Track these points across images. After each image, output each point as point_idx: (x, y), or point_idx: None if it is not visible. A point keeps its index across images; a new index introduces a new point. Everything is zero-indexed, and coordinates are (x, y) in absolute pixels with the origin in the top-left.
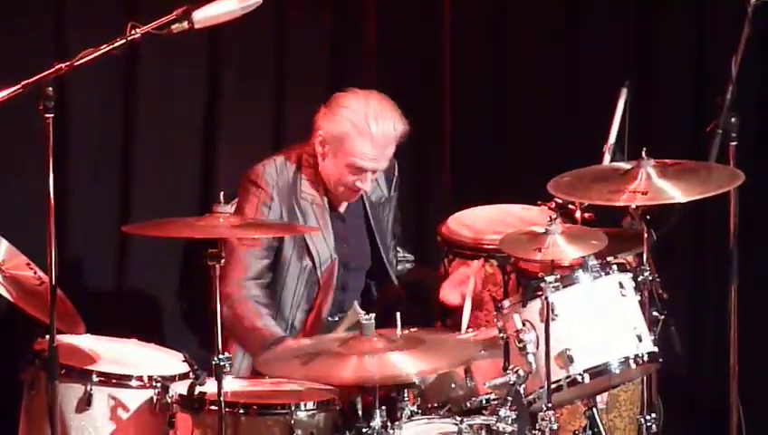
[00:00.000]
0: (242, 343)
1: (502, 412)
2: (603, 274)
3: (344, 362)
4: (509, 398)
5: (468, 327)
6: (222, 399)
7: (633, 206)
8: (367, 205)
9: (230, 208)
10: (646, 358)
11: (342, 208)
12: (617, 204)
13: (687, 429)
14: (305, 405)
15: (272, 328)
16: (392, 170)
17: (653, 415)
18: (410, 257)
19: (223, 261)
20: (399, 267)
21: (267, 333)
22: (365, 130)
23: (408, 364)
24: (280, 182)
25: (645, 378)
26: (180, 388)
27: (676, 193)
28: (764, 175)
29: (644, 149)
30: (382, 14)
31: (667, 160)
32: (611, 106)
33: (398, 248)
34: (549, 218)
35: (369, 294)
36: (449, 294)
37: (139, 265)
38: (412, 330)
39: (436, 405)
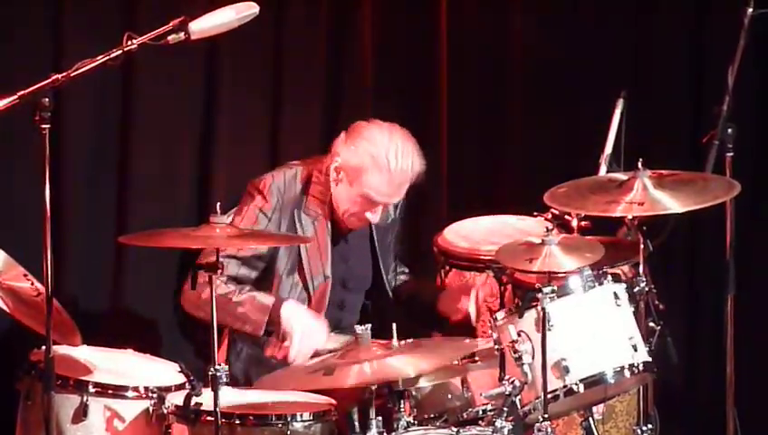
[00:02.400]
0: (236, 323)
1: (498, 423)
2: (597, 284)
3: (345, 370)
4: (505, 408)
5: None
6: (218, 409)
7: (629, 217)
8: (372, 226)
9: (227, 219)
10: (641, 368)
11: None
12: (613, 215)
13: None
14: (301, 416)
15: (263, 295)
16: None
17: (649, 425)
18: (405, 270)
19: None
20: (396, 281)
21: (260, 300)
22: (384, 166)
23: (406, 366)
24: (286, 196)
25: (641, 388)
26: (176, 398)
27: (672, 204)
28: (761, 185)
29: (640, 159)
30: (379, 20)
31: (663, 172)
32: (608, 116)
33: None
34: (545, 229)
35: (367, 313)
36: (449, 304)
37: (136, 276)
38: (408, 341)
39: (432, 416)
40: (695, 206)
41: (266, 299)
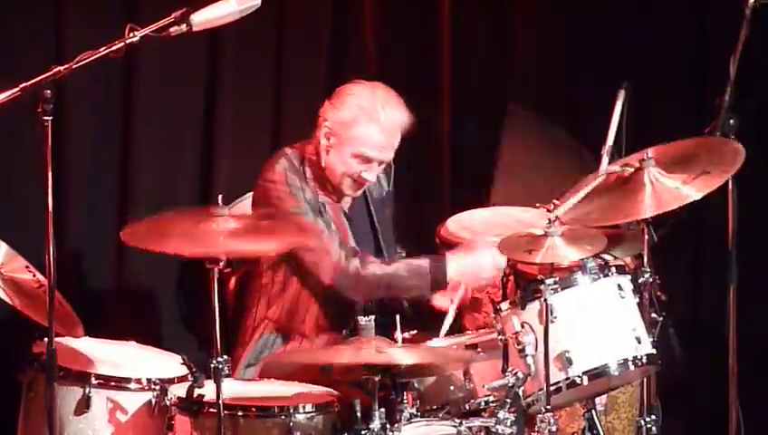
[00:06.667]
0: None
1: (501, 414)
2: (602, 276)
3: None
4: (508, 400)
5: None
6: (221, 401)
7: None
8: (370, 202)
9: (228, 211)
10: (644, 360)
11: (347, 207)
12: (639, 218)
13: (686, 430)
14: (304, 408)
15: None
16: (388, 164)
17: (652, 417)
18: (403, 254)
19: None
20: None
21: (416, 264)
22: (374, 116)
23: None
24: (299, 182)
25: (644, 380)
26: (179, 390)
27: (689, 190)
28: (764, 175)
29: (646, 153)
30: (381, 15)
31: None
32: (609, 108)
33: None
34: (547, 220)
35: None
36: (439, 298)
37: (138, 267)
38: (412, 333)
39: (435, 407)
40: (710, 187)
41: (420, 262)
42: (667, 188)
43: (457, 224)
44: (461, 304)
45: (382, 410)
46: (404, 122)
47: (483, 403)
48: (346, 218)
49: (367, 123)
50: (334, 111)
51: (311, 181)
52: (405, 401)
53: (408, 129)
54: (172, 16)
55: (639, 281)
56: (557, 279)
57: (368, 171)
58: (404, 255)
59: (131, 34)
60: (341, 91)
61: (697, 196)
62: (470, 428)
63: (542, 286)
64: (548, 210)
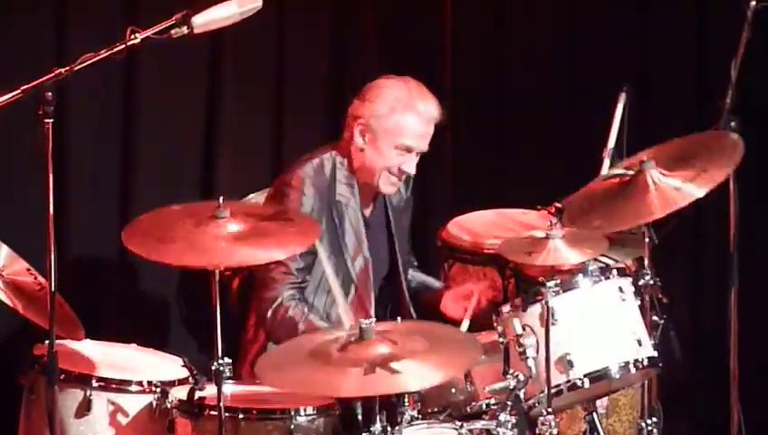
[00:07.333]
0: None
1: (502, 417)
2: (603, 278)
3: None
4: (509, 402)
5: None
6: (221, 404)
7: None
8: (389, 210)
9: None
10: (645, 362)
11: (368, 213)
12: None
13: (688, 433)
14: (305, 410)
15: (318, 320)
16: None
17: (653, 419)
18: (415, 263)
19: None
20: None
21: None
22: (411, 105)
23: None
24: (319, 187)
25: (645, 382)
26: (180, 393)
27: (691, 188)
28: (765, 177)
29: (645, 156)
30: (382, 16)
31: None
32: (611, 110)
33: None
34: (549, 223)
35: (383, 301)
36: (450, 306)
37: (139, 270)
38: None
39: (436, 410)
40: (712, 184)
41: (321, 324)
42: (671, 186)
43: (459, 226)
44: (475, 313)
45: (383, 412)
46: (438, 111)
47: (484, 406)
48: (366, 226)
49: (404, 113)
50: (369, 106)
51: (342, 185)
52: (406, 404)
53: (441, 119)
54: (173, 18)
55: (640, 283)
56: (558, 282)
57: (407, 163)
58: (416, 264)
59: (132, 36)
60: (373, 86)
61: (700, 193)
62: (471, 430)
63: (543, 289)
64: (549, 212)
